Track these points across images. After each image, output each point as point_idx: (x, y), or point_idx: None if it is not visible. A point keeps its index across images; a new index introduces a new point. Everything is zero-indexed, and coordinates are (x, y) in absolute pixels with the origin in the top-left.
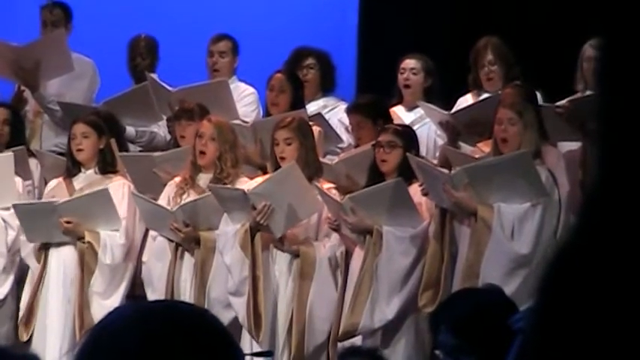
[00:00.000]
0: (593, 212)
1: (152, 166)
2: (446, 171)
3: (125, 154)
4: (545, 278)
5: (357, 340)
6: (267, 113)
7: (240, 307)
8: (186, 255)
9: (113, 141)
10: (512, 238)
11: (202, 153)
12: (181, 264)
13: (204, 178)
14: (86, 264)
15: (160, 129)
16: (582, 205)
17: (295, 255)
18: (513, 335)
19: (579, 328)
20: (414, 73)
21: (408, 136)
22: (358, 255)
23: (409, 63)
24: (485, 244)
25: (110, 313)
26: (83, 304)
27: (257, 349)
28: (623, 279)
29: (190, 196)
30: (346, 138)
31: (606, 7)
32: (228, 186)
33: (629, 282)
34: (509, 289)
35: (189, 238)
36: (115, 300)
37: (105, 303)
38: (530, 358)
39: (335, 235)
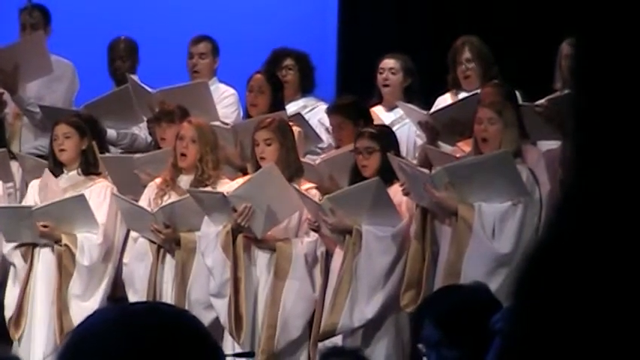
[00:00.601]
0: (567, 211)
1: (133, 167)
2: (426, 171)
3: (106, 155)
4: (520, 279)
5: (338, 340)
6: (246, 114)
7: (221, 308)
8: (168, 257)
9: (94, 143)
10: (493, 237)
11: (183, 155)
12: (163, 266)
13: (185, 180)
14: (64, 267)
15: (141, 131)
16: (557, 203)
17: (273, 251)
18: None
19: (555, 329)
20: (393, 73)
21: (385, 137)
22: (339, 255)
23: (388, 63)
24: (467, 243)
25: (91, 316)
26: (62, 308)
27: (239, 349)
28: (597, 278)
29: (171, 198)
30: (326, 138)
31: (579, 6)
32: (208, 189)
33: (603, 281)
34: (490, 289)
35: (170, 240)
36: (94, 301)
37: (84, 305)
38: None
39: (314, 233)
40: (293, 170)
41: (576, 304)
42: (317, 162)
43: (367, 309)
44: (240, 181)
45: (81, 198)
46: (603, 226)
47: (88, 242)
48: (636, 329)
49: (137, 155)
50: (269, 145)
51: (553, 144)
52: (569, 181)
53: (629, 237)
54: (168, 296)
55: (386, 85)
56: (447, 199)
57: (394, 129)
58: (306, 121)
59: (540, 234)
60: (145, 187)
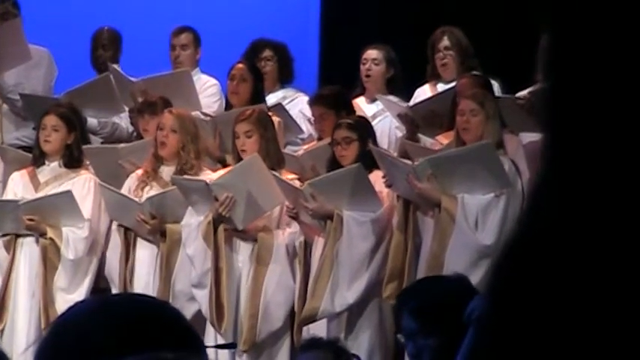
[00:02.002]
0: (541, 202)
1: (116, 158)
2: (409, 162)
3: (89, 146)
4: (495, 271)
5: (323, 330)
6: (227, 103)
7: (203, 299)
8: (145, 247)
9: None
10: (475, 228)
11: (163, 144)
12: (134, 255)
13: (166, 171)
14: (49, 260)
15: (122, 120)
16: (530, 195)
17: (255, 241)
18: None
19: (529, 323)
20: (376, 64)
21: (362, 127)
22: (320, 244)
23: (371, 54)
24: (450, 234)
25: (71, 307)
26: (48, 300)
27: (222, 341)
28: (571, 271)
29: (153, 189)
30: (307, 129)
31: None
32: (191, 177)
33: (578, 274)
34: (473, 280)
35: (156, 230)
36: (79, 294)
37: (69, 298)
38: (482, 352)
39: (295, 224)
40: (274, 161)
41: (550, 297)
42: (299, 153)
43: (348, 294)
44: (222, 172)
45: (68, 194)
46: (577, 218)
47: (73, 236)
48: (612, 322)
49: (121, 145)
50: (249, 137)
51: (535, 136)
52: (542, 173)
53: (602, 229)
54: (149, 286)
55: (368, 76)
56: (429, 191)
57: (376, 121)
58: (287, 112)
59: (515, 225)
60: (128, 177)
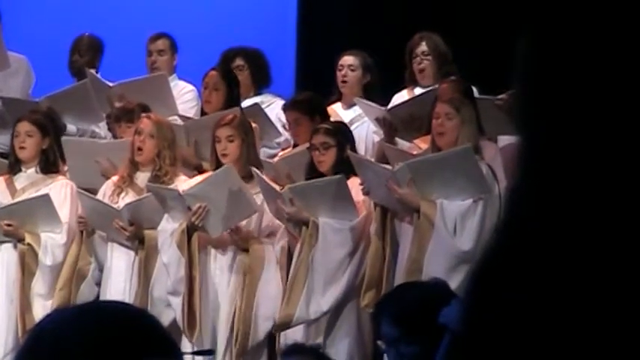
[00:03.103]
0: (517, 211)
1: (96, 154)
2: (389, 167)
3: (70, 138)
4: (471, 281)
5: (300, 335)
6: (202, 111)
7: (177, 306)
8: (121, 252)
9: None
10: (454, 234)
11: (140, 149)
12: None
13: (142, 177)
14: (27, 266)
15: (101, 130)
16: (506, 202)
17: (243, 250)
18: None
19: (505, 329)
20: (352, 70)
21: (340, 133)
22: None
23: (347, 60)
24: (429, 240)
25: (49, 314)
26: (25, 307)
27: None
28: (547, 278)
29: (128, 195)
30: (283, 134)
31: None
32: (166, 185)
33: (553, 282)
34: (452, 285)
35: (134, 237)
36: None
37: (47, 304)
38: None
39: (283, 235)
40: (254, 166)
41: (526, 305)
42: (274, 160)
43: (323, 301)
44: (198, 178)
45: (46, 197)
46: (554, 225)
47: (51, 242)
48: (587, 329)
49: (102, 141)
50: (231, 141)
51: (512, 139)
52: (518, 179)
53: (579, 236)
54: (125, 293)
55: (344, 82)
56: (409, 196)
57: (353, 127)
58: (264, 112)
59: (493, 234)
60: (104, 175)
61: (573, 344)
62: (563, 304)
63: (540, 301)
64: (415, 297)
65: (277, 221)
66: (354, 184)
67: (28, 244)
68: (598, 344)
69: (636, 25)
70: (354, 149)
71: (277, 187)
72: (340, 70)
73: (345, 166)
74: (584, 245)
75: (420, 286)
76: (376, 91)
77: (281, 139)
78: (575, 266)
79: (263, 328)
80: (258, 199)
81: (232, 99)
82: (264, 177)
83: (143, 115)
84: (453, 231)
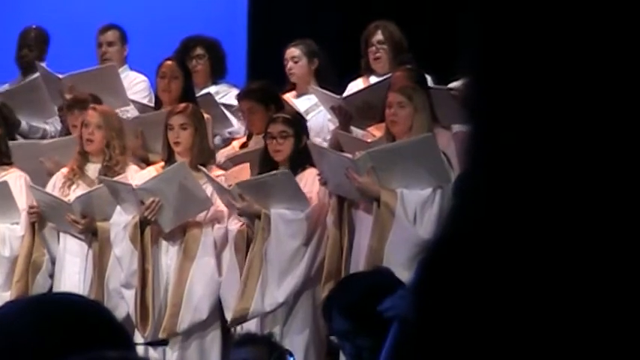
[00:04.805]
0: (465, 201)
1: (39, 154)
2: (350, 156)
3: (12, 142)
4: (419, 273)
5: (256, 325)
6: (157, 101)
7: (130, 299)
8: (74, 244)
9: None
10: (414, 223)
11: (89, 141)
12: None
13: (92, 169)
14: None
15: (52, 125)
16: (454, 193)
17: (182, 236)
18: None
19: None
20: (296, 62)
21: (298, 123)
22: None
23: (290, 52)
24: (389, 229)
25: (3, 306)
26: None
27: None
28: (496, 272)
29: (79, 187)
30: (237, 124)
31: None
32: (118, 179)
33: (503, 276)
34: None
35: (87, 230)
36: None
37: (5, 295)
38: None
39: (225, 220)
40: (206, 156)
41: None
42: (222, 161)
43: (278, 293)
44: (151, 169)
45: (4, 185)
46: (503, 216)
47: (9, 233)
48: (535, 324)
49: (44, 141)
50: (185, 129)
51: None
52: (467, 168)
53: (528, 228)
54: (79, 286)
55: (291, 74)
56: (369, 185)
57: (309, 117)
58: (216, 102)
59: (441, 224)
60: (50, 175)
61: (521, 333)
62: (510, 294)
63: (487, 290)
64: (361, 287)
65: (221, 208)
66: (310, 174)
67: None
68: (546, 332)
69: (587, 10)
70: (307, 140)
71: (225, 185)
72: (286, 64)
73: (301, 157)
74: (532, 234)
75: (364, 276)
76: (328, 74)
77: (234, 128)
78: (522, 255)
79: (201, 307)
80: (209, 189)
81: (189, 88)
82: (212, 176)
83: (89, 107)
84: (413, 220)
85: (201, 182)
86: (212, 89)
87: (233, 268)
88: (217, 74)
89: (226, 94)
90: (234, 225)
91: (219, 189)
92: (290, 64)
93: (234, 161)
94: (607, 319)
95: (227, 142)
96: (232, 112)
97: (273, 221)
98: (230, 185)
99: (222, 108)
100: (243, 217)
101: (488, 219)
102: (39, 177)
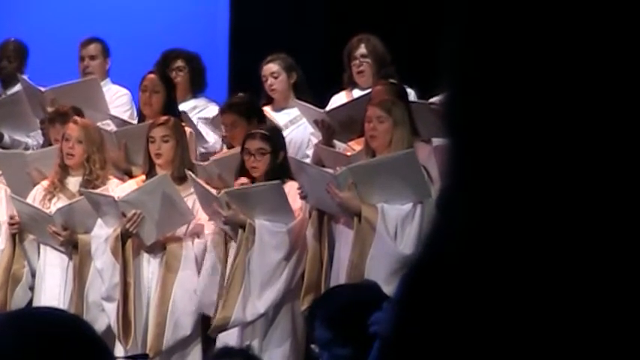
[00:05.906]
0: (447, 218)
1: (24, 164)
2: (331, 171)
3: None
4: (401, 290)
5: (235, 337)
6: (140, 114)
7: (112, 312)
8: (55, 257)
9: None
10: (395, 238)
11: (70, 155)
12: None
13: (73, 182)
14: None
15: (34, 139)
16: (437, 208)
17: (163, 250)
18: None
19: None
20: (275, 77)
21: (275, 139)
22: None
23: (269, 68)
24: (370, 244)
25: None
26: None
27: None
28: (479, 290)
29: (60, 200)
30: (213, 138)
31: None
32: (100, 192)
33: (485, 293)
34: (394, 289)
35: (68, 242)
36: None
37: None
38: None
39: (205, 234)
40: (187, 168)
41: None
42: (207, 163)
43: (259, 303)
44: (132, 182)
45: None
46: (485, 232)
47: None
48: (514, 345)
49: (29, 152)
50: (166, 141)
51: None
52: (448, 183)
53: (511, 245)
54: (60, 299)
55: (273, 90)
56: (350, 200)
57: (289, 130)
58: (191, 120)
59: (423, 240)
60: (34, 185)
61: (501, 353)
62: (492, 314)
63: (469, 309)
64: (345, 299)
65: (202, 221)
66: (291, 188)
67: None
68: (525, 354)
69: (565, 22)
70: (285, 155)
71: (214, 191)
72: (265, 80)
73: (278, 172)
74: (514, 250)
75: (351, 288)
76: (306, 87)
77: (209, 145)
78: (504, 272)
79: (184, 324)
80: (190, 201)
81: (170, 101)
82: (199, 181)
83: (70, 121)
84: (394, 235)
85: (183, 194)
86: (191, 103)
87: (213, 266)
88: (197, 87)
89: (205, 109)
90: (212, 227)
91: (206, 195)
92: (270, 80)
93: (219, 163)
94: (584, 348)
95: (203, 157)
96: (211, 122)
97: (258, 232)
98: (218, 192)
99: (198, 125)
100: (228, 225)
101: (470, 235)
102: (23, 187)
